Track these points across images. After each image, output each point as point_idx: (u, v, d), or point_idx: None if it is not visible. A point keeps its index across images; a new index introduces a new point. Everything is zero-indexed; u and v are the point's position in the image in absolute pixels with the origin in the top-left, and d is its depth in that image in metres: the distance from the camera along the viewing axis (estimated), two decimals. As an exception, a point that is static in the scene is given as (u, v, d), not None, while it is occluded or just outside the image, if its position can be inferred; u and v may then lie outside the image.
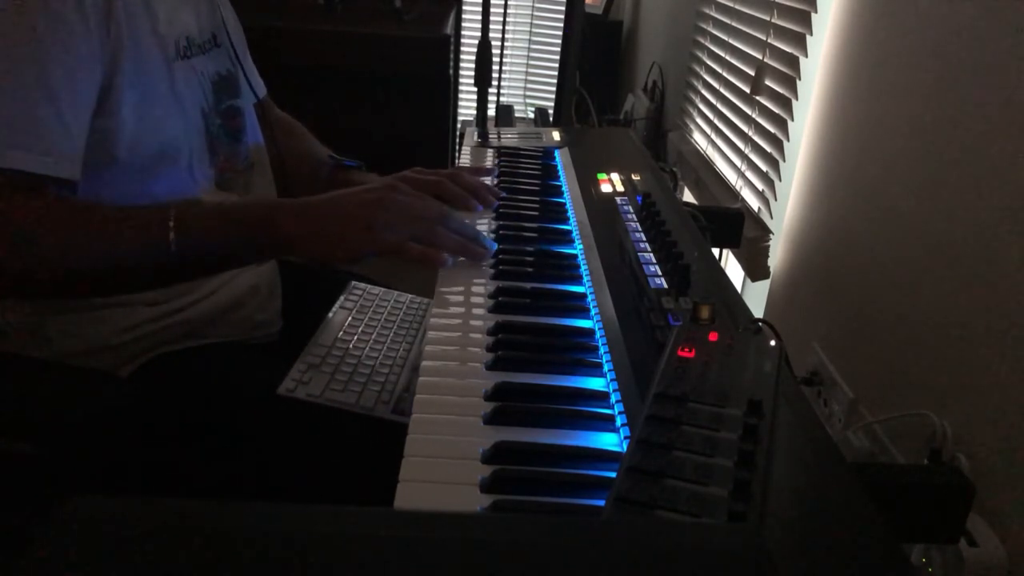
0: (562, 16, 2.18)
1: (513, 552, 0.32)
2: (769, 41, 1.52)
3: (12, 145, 0.71)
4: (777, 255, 1.49)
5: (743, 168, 1.66)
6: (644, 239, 0.87)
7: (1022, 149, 0.84)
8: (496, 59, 1.33)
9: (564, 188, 1.06)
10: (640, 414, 0.53)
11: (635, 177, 1.08)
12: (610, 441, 0.57)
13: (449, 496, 0.51)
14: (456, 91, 2.50)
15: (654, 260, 0.82)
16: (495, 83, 1.35)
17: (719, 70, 1.83)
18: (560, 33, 2.38)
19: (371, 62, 1.93)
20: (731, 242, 1.38)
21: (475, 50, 1.27)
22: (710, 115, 1.90)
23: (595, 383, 0.64)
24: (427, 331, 0.70)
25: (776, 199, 1.49)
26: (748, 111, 1.62)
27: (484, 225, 0.93)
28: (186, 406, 0.88)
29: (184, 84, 0.87)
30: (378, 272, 1.10)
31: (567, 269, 0.84)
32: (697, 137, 2.03)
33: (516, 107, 3.35)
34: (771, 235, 1.51)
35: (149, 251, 0.76)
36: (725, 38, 1.79)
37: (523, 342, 0.69)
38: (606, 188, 1.04)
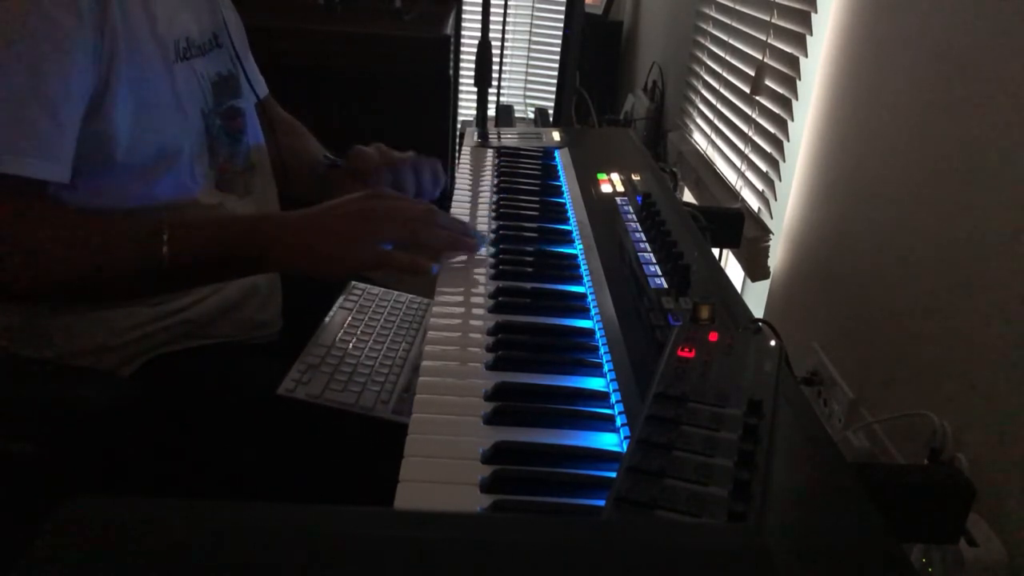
0: (562, 16, 2.18)
1: (513, 552, 0.32)
2: (769, 41, 1.52)
3: (5, 149, 0.71)
4: (777, 255, 1.49)
5: (743, 168, 1.66)
6: (644, 239, 0.87)
7: (1022, 148, 0.84)
8: (496, 59, 1.33)
9: (564, 188, 1.06)
10: (640, 414, 0.53)
11: (635, 177, 1.08)
12: (610, 441, 0.57)
13: (449, 496, 0.51)
14: (456, 91, 2.50)
15: (654, 260, 0.82)
16: (495, 83, 1.35)
17: (719, 70, 1.83)
18: (560, 33, 2.38)
19: (371, 62, 1.93)
20: (731, 242, 1.38)
21: (475, 50, 1.27)
22: (710, 115, 1.90)
23: (595, 383, 0.64)
24: (427, 331, 0.70)
25: (776, 199, 1.49)
26: (748, 111, 1.62)
27: (484, 225, 0.93)
28: (186, 406, 0.88)
29: (184, 86, 0.87)
30: (377, 272, 1.10)
31: (567, 269, 0.84)
32: (697, 137, 2.03)
33: (516, 107, 3.35)
34: (771, 235, 1.51)
35: (141, 263, 0.76)
36: (725, 38, 1.79)
37: (523, 342, 0.69)
38: (606, 188, 1.04)
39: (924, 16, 1.03)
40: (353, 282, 1.07)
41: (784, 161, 1.44)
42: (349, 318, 0.99)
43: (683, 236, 0.85)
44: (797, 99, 1.39)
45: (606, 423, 0.59)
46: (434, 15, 2.11)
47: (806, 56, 1.36)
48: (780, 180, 1.46)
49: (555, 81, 2.37)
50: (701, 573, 0.32)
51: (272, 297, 1.03)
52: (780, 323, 0.81)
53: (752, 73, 1.56)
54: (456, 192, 1.04)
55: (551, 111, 2.60)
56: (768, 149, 1.52)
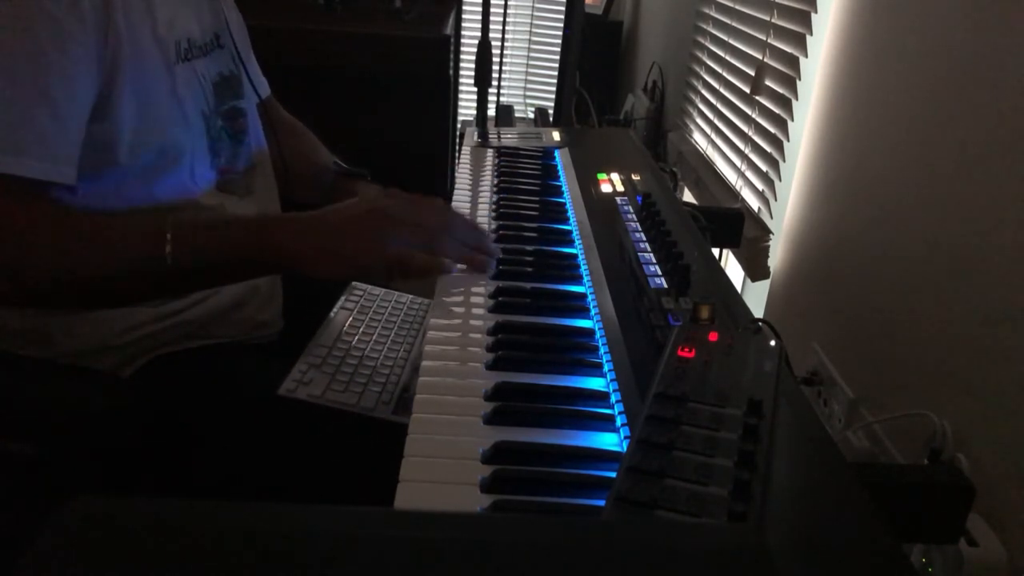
0: (562, 16, 2.18)
1: (513, 552, 0.32)
2: (769, 41, 1.52)
3: (9, 150, 0.71)
4: (777, 255, 1.49)
5: (743, 168, 1.66)
6: (644, 239, 0.87)
7: (1022, 149, 0.84)
8: (496, 59, 1.33)
9: (564, 188, 1.06)
10: (640, 414, 0.53)
11: (635, 177, 1.08)
12: (610, 441, 0.57)
13: (449, 496, 0.51)
14: (456, 91, 2.50)
15: (654, 260, 0.82)
16: (495, 83, 1.35)
17: (719, 70, 1.83)
18: (560, 33, 2.38)
19: (371, 62, 1.93)
20: (731, 242, 1.38)
21: (475, 50, 1.27)
22: (710, 115, 1.90)
23: (595, 383, 0.64)
24: (427, 331, 0.70)
25: (776, 199, 1.49)
26: (748, 111, 1.62)
27: (484, 225, 0.93)
28: (186, 406, 0.88)
29: (185, 87, 0.87)
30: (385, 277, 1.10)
31: (567, 269, 0.84)
32: (697, 137, 2.03)
33: (516, 107, 3.35)
34: (771, 235, 1.51)
35: (144, 264, 0.76)
36: (725, 38, 1.79)
37: (523, 342, 0.69)
38: (606, 188, 1.04)
39: (924, 16, 1.03)
40: (354, 282, 1.07)
41: (784, 161, 1.44)
42: (350, 318, 0.99)
43: (683, 236, 0.85)
44: (797, 99, 1.40)
45: (606, 423, 0.59)
46: (434, 15, 2.11)
47: (806, 56, 1.36)
48: (780, 180, 1.46)
49: (555, 81, 2.37)
50: (701, 573, 0.32)
51: (273, 297, 1.03)
52: (780, 323, 0.81)
53: (752, 73, 1.56)
54: (456, 192, 1.04)
55: (551, 111, 2.60)
56: (768, 149, 1.52)
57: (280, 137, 1.09)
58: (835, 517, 0.49)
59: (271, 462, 0.86)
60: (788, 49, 1.43)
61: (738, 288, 1.22)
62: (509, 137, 1.28)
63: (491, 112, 1.40)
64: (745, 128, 1.64)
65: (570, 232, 0.93)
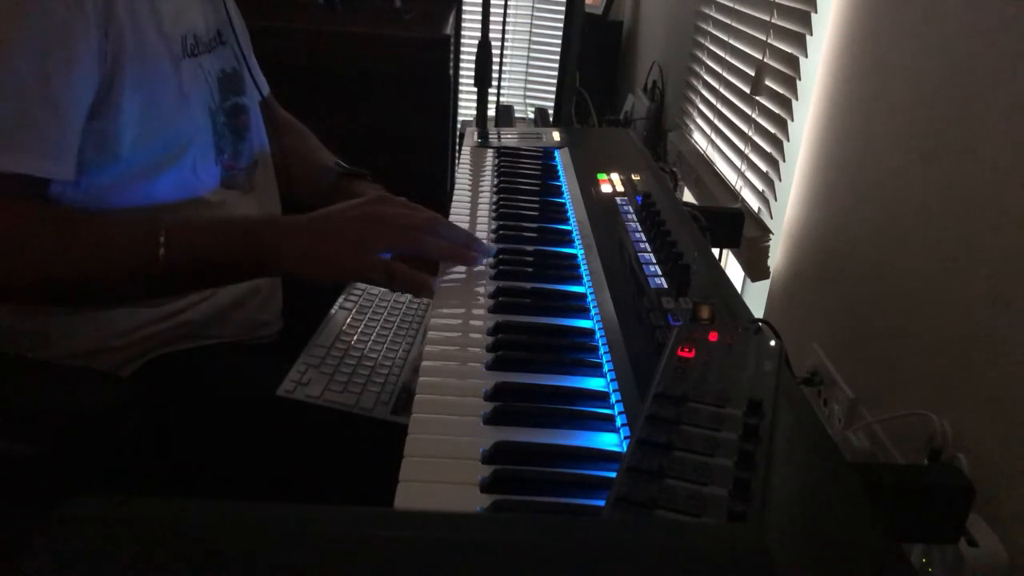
0: (562, 16, 2.17)
1: (513, 552, 0.32)
2: (769, 41, 1.52)
3: (7, 148, 0.71)
4: (777, 255, 1.49)
5: (743, 168, 1.66)
6: (644, 239, 0.87)
7: (1022, 148, 0.84)
8: (496, 59, 1.33)
9: (564, 188, 1.06)
10: (640, 414, 0.53)
11: (635, 177, 1.08)
12: (610, 441, 0.57)
13: (449, 496, 0.51)
14: (456, 91, 2.50)
15: (654, 260, 0.82)
16: (495, 83, 1.35)
17: (719, 70, 1.83)
18: (560, 33, 2.38)
19: (371, 62, 1.93)
20: (731, 242, 1.38)
21: (475, 50, 1.27)
22: (710, 115, 1.90)
23: (595, 383, 0.64)
24: (427, 331, 0.70)
25: (776, 199, 1.49)
26: (748, 111, 1.62)
27: (484, 225, 0.93)
28: (186, 407, 0.88)
29: (191, 82, 0.87)
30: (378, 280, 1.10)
31: (567, 269, 0.84)
32: (697, 137, 2.03)
33: (516, 107, 3.35)
34: (771, 235, 1.51)
35: (138, 266, 0.76)
36: (725, 38, 1.79)
37: (523, 342, 0.69)
38: (606, 188, 1.04)
39: (924, 16, 1.03)
40: (353, 282, 1.07)
41: (784, 161, 1.44)
42: (349, 318, 0.99)
43: (683, 236, 0.85)
44: (797, 99, 1.39)
45: (606, 423, 0.59)
46: (434, 15, 2.11)
47: (806, 56, 1.36)
48: (780, 180, 1.46)
49: (555, 81, 2.37)
50: (701, 573, 0.32)
51: (272, 297, 1.03)
52: (780, 323, 0.81)
53: (752, 73, 1.56)
54: (456, 192, 1.04)
55: (551, 111, 2.60)
56: (768, 149, 1.52)
57: (281, 136, 1.09)
58: (835, 517, 0.49)
59: (270, 462, 0.86)
60: (788, 49, 1.43)
61: (738, 288, 1.22)
62: (509, 137, 1.28)
63: (491, 112, 1.40)
64: (745, 128, 1.64)
65: (570, 232, 0.93)
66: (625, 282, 0.79)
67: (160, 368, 0.89)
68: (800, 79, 1.38)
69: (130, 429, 0.85)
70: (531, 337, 0.70)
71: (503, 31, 1.48)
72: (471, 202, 1.01)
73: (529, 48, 3.39)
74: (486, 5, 1.29)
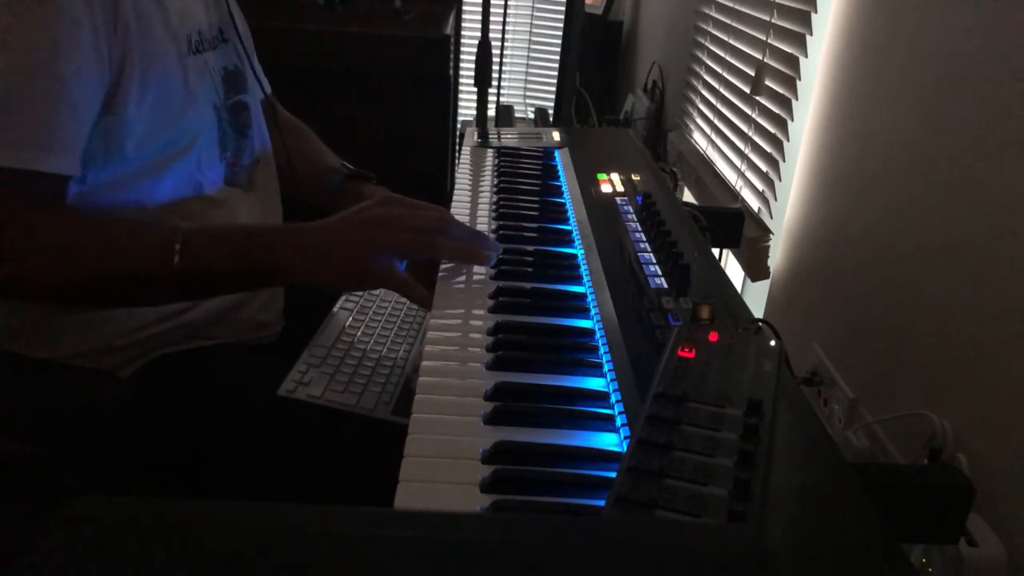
0: (562, 16, 2.17)
1: (513, 552, 0.32)
2: (769, 41, 1.52)
3: (21, 146, 0.71)
4: (777, 255, 1.49)
5: (743, 168, 1.66)
6: (644, 239, 0.87)
7: (1022, 149, 0.84)
8: (496, 59, 1.33)
9: (564, 188, 1.06)
10: (640, 414, 0.53)
11: (635, 177, 1.08)
12: (610, 441, 0.57)
13: (449, 496, 0.51)
14: (456, 91, 2.50)
15: (654, 260, 0.82)
16: (495, 83, 1.35)
17: (719, 70, 1.83)
18: (560, 33, 2.38)
19: (371, 62, 1.93)
20: (731, 242, 1.38)
21: (475, 50, 1.27)
22: (710, 115, 1.90)
23: (595, 383, 0.64)
24: (427, 331, 0.70)
25: (776, 199, 1.49)
26: (748, 111, 1.62)
27: (484, 225, 0.93)
28: (187, 407, 0.88)
29: (196, 79, 0.88)
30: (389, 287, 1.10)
31: (567, 269, 0.84)
32: (697, 137, 2.03)
33: (516, 107, 3.35)
34: (771, 235, 1.51)
35: (152, 271, 0.76)
36: (725, 38, 1.79)
37: (523, 342, 0.69)
38: (606, 188, 1.04)
39: (924, 16, 1.03)
40: (353, 282, 1.07)
41: (784, 161, 1.44)
42: (350, 319, 0.99)
43: (683, 236, 0.85)
44: (797, 99, 1.40)
45: (606, 423, 0.59)
46: (434, 15, 2.11)
47: (806, 56, 1.36)
48: (780, 180, 1.46)
49: (555, 81, 2.37)
50: (701, 573, 0.32)
51: (273, 298, 1.03)
52: (780, 323, 0.81)
53: (752, 73, 1.56)
54: (456, 192, 1.04)
55: (551, 111, 2.60)
56: (768, 149, 1.52)
57: (284, 136, 1.09)
58: (835, 517, 0.49)
59: (271, 462, 0.86)
60: (788, 49, 1.43)
61: (738, 288, 1.22)
62: (509, 137, 1.28)
63: (491, 112, 1.40)
64: (745, 128, 1.64)
65: (570, 232, 0.93)
66: (625, 282, 0.79)
67: (161, 368, 0.89)
68: (800, 79, 1.38)
69: (130, 429, 0.85)
70: (531, 337, 0.70)
71: (503, 31, 1.47)
72: (471, 202, 1.01)
73: (529, 48, 3.39)
74: (486, 5, 1.29)
